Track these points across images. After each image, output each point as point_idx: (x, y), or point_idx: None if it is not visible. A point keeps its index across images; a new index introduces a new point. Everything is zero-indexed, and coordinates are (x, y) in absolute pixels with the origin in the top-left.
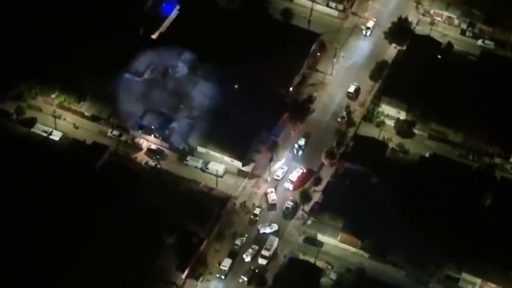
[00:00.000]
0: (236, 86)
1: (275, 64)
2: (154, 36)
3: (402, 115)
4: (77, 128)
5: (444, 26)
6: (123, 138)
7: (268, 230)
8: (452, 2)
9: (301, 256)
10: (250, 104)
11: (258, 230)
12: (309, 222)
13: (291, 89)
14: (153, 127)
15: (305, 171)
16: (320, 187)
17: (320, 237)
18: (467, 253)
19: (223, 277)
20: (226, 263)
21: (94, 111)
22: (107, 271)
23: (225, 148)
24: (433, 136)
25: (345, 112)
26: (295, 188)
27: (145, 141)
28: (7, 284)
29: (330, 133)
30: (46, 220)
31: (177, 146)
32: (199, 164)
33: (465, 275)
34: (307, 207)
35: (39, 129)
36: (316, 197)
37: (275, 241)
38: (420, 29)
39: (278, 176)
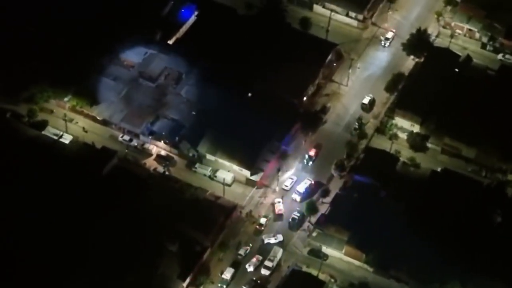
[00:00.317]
0: (249, 94)
1: (290, 73)
2: (170, 42)
3: (416, 128)
4: (86, 132)
5: (464, 39)
6: (133, 143)
7: (272, 240)
8: (474, 15)
9: (305, 268)
10: (262, 113)
11: (263, 240)
12: (314, 234)
13: (304, 99)
14: (163, 133)
15: (313, 182)
16: (328, 199)
17: (325, 249)
18: (472, 270)
19: (224, 286)
20: (228, 272)
21: (105, 115)
22: (108, 276)
23: (234, 156)
24: (446, 150)
25: (357, 124)
26: (302, 200)
27: (154, 147)
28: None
29: (341, 145)
30: (48, 223)
31: (186, 153)
32: (208, 171)
33: None
34: (314, 219)
35: (50, 132)
36: (324, 209)
37: (279, 252)
38: (439, 42)
39: (287, 186)
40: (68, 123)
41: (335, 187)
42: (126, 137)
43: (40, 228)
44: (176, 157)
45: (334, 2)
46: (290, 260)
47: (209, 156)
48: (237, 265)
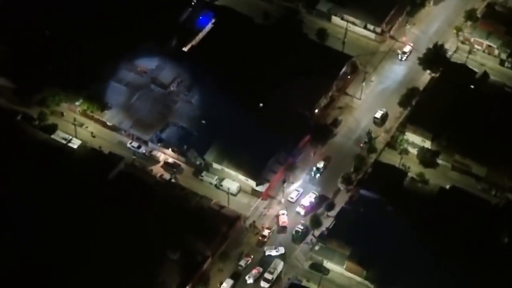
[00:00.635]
0: (260, 104)
1: (303, 85)
2: (185, 49)
3: (427, 144)
4: (94, 137)
5: (483, 55)
6: (142, 150)
7: (274, 252)
8: (494, 31)
9: (305, 282)
10: (272, 123)
11: (264, 252)
12: (316, 247)
13: (316, 111)
14: (172, 141)
15: (317, 195)
16: (333, 212)
17: (327, 264)
18: None
19: None
20: (227, 283)
21: (115, 121)
22: (107, 282)
23: (240, 166)
24: (457, 167)
25: (366, 138)
26: (306, 213)
27: (162, 154)
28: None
29: (351, 158)
30: (50, 227)
31: (193, 161)
32: (214, 180)
33: None
34: (317, 232)
35: (59, 136)
36: (329, 222)
37: (280, 264)
38: (457, 57)
39: (292, 198)
40: (78, 127)
41: (341, 201)
42: (135, 144)
43: (42, 232)
44: (183, 165)
45: (352, 14)
46: (291, 273)
47: (215, 165)
48: (237, 276)
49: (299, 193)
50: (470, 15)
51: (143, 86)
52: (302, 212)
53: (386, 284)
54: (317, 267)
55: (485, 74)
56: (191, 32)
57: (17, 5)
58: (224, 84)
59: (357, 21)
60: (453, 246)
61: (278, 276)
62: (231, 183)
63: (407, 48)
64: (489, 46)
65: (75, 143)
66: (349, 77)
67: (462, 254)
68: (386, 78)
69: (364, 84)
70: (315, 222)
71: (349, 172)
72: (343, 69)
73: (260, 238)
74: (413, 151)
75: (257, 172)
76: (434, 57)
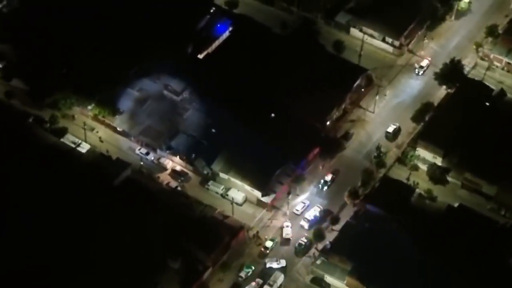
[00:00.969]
0: (272, 114)
1: (316, 96)
2: (200, 56)
3: (438, 161)
4: (102, 142)
5: (501, 73)
6: (150, 157)
7: (275, 265)
8: None
9: None
10: (281, 134)
11: (265, 264)
12: (318, 261)
13: (328, 123)
14: (181, 149)
15: (322, 209)
16: (338, 227)
17: (328, 278)
18: None
19: None
20: None
21: (125, 127)
22: None
23: (246, 176)
24: (467, 186)
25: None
26: (310, 227)
27: (170, 161)
28: None
29: (360, 173)
30: (52, 231)
31: (201, 170)
32: (220, 190)
33: None
34: (321, 246)
35: (68, 140)
36: (333, 236)
37: (280, 277)
38: (475, 74)
39: (298, 210)
40: (89, 132)
41: (347, 215)
42: (143, 151)
43: (44, 236)
44: (190, 173)
45: (371, 27)
46: (291, 286)
47: (222, 175)
48: (237, 287)
49: (305, 205)
50: (491, 31)
51: (156, 92)
52: (306, 226)
53: None
54: (318, 282)
55: (502, 92)
56: (208, 39)
57: (35, 7)
58: (236, 93)
59: (375, 34)
60: (457, 265)
61: None
62: (237, 193)
63: (424, 63)
64: (509, 63)
65: (84, 148)
66: (363, 90)
67: (466, 275)
68: (401, 92)
69: (377, 97)
70: (318, 235)
71: (356, 186)
72: (357, 82)
73: (262, 249)
74: (423, 167)
75: (263, 183)
76: (451, 73)
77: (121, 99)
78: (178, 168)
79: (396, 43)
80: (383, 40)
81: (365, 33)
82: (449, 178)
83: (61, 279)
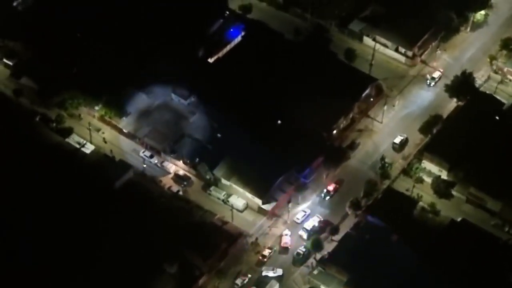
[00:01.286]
0: (278, 121)
1: (323, 104)
2: (211, 60)
3: (444, 174)
4: (106, 142)
5: None
6: (154, 159)
7: (271, 273)
8: None
9: None
10: (287, 141)
11: (261, 272)
12: (315, 271)
13: (334, 132)
14: (184, 153)
15: (322, 220)
16: (338, 237)
17: None
18: None
19: None
20: None
21: (131, 128)
22: None
23: (247, 183)
24: (471, 200)
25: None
26: (309, 237)
27: (173, 165)
28: None
29: (364, 183)
30: (49, 232)
31: (204, 175)
32: (221, 195)
33: None
34: (320, 256)
35: (74, 140)
36: (332, 246)
37: (275, 286)
38: (487, 87)
39: (298, 219)
40: (95, 132)
41: (348, 226)
42: (147, 153)
43: (40, 236)
44: (193, 178)
45: (384, 36)
46: None
47: (224, 181)
48: None
49: (306, 214)
50: (506, 44)
51: (163, 95)
52: (305, 235)
53: None
54: None
55: None
56: (219, 43)
57: (49, 6)
58: (244, 99)
59: (388, 43)
60: (457, 281)
61: None
62: (238, 200)
63: (436, 74)
64: None
65: (88, 148)
66: (372, 99)
67: None
68: (411, 103)
69: (385, 107)
70: (316, 245)
71: (358, 197)
72: (366, 91)
73: (260, 257)
74: (428, 180)
75: (263, 190)
76: (462, 85)
77: (129, 101)
78: (181, 172)
79: (409, 53)
80: (396, 50)
81: (378, 42)
82: (454, 192)
83: (57, 279)
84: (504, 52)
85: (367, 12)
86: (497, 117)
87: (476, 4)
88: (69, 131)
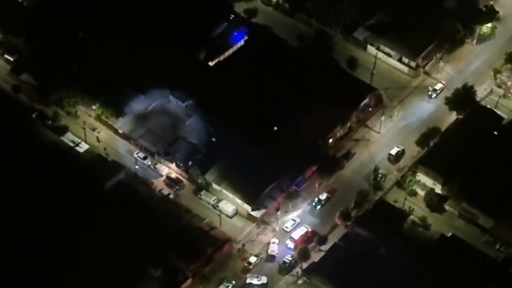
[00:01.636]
0: (275, 128)
1: (321, 112)
2: (211, 63)
3: (438, 188)
4: (99, 141)
5: None
6: (147, 161)
7: (255, 281)
8: None
9: None
10: (281, 149)
11: (246, 280)
12: (300, 281)
13: (330, 141)
14: (177, 156)
15: (309, 230)
16: (326, 247)
17: None
18: None
19: None
20: None
21: (126, 129)
22: None
23: (237, 189)
24: (463, 216)
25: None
26: (295, 247)
27: (166, 168)
28: None
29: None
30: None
31: (195, 178)
32: (212, 200)
33: None
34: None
35: (68, 138)
36: (319, 256)
37: None
38: (488, 101)
39: (287, 227)
40: (90, 132)
41: (337, 236)
42: (141, 155)
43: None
44: (185, 181)
45: (388, 45)
46: None
47: (215, 185)
48: None
49: (296, 223)
50: (511, 58)
51: (161, 97)
52: (292, 245)
53: None
54: None
55: None
56: (222, 47)
57: (53, 3)
58: (242, 103)
59: (392, 53)
60: None
61: None
62: (227, 205)
63: (438, 86)
64: None
65: (82, 147)
66: (371, 109)
67: None
68: (411, 115)
69: (383, 118)
70: (303, 255)
71: (348, 208)
72: (365, 101)
73: (246, 264)
74: (422, 193)
75: (253, 197)
76: (462, 98)
77: (126, 102)
78: (173, 175)
79: (413, 64)
80: (400, 60)
81: (382, 51)
82: (446, 207)
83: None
84: (509, 66)
85: (373, 21)
86: (495, 132)
87: (483, 17)
88: (64, 129)
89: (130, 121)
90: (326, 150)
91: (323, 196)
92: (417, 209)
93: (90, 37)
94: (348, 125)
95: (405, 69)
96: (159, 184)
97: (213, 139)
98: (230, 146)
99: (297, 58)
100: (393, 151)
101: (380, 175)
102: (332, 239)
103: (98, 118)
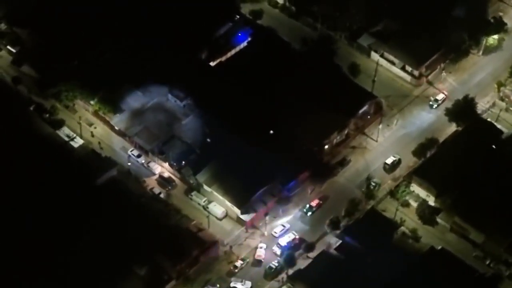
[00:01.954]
0: (271, 131)
1: (319, 118)
2: (212, 64)
3: (431, 200)
4: (93, 136)
5: None
6: (141, 159)
7: (239, 285)
8: None
9: None
10: (275, 153)
11: (230, 283)
12: (284, 287)
13: (326, 147)
14: (171, 155)
15: (297, 237)
16: (314, 254)
17: None
18: None
19: None
20: None
21: (122, 126)
22: None
23: (228, 191)
24: (455, 230)
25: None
26: (282, 254)
27: (159, 166)
28: None
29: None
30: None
31: (187, 179)
32: (202, 202)
33: None
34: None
35: (63, 132)
36: (306, 264)
37: None
38: (490, 114)
39: (276, 233)
40: (85, 127)
41: (325, 244)
42: (135, 152)
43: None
44: (178, 181)
45: (392, 53)
46: None
47: (206, 187)
48: None
49: (285, 228)
50: None
51: (160, 95)
52: (279, 252)
53: None
54: None
55: None
56: (225, 47)
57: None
58: (239, 105)
59: (396, 61)
60: None
61: None
62: (217, 207)
63: (440, 96)
64: None
65: (77, 142)
66: (369, 117)
67: None
68: (410, 124)
69: (380, 126)
70: (289, 261)
71: (339, 216)
72: (364, 108)
73: (231, 267)
74: (414, 204)
75: (242, 200)
76: (462, 110)
77: (124, 98)
78: (166, 174)
79: (416, 72)
80: (403, 68)
81: (385, 58)
82: (438, 220)
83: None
84: None
85: (379, 27)
86: (493, 146)
87: (491, 28)
88: (60, 123)
89: (126, 118)
90: (321, 156)
91: (315, 203)
92: (409, 220)
93: (93, 32)
94: (346, 132)
95: (408, 77)
96: (151, 182)
97: (208, 140)
98: (224, 147)
99: (299, 61)
100: (389, 160)
101: (373, 184)
102: (321, 247)
103: (95, 113)
